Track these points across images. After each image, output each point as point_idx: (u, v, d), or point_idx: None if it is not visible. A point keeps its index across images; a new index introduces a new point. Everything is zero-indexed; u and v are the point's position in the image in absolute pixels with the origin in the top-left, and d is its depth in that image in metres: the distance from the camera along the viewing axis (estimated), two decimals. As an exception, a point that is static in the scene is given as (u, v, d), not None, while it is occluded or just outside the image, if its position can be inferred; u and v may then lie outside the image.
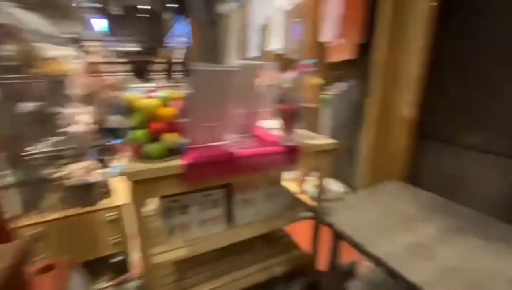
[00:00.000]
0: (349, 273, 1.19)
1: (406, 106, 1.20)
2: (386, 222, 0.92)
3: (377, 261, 0.75)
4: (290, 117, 0.93)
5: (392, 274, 0.70)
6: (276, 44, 1.88)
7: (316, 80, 1.02)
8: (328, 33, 1.42)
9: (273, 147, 0.95)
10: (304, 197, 1.24)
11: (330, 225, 0.94)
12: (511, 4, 0.95)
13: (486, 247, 0.78)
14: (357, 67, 1.43)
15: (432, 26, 1.12)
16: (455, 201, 1.14)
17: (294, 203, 1.24)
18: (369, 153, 1.29)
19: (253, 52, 2.25)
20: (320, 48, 1.60)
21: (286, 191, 1.28)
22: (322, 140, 1.05)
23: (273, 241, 1.38)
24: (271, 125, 1.13)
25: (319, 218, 1.00)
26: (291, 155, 0.96)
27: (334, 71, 1.60)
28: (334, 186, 1.70)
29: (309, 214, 1.09)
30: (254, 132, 1.11)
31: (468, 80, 1.09)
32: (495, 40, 1.00)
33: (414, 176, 1.28)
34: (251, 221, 1.11)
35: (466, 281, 0.66)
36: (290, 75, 0.91)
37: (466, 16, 1.07)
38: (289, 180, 1.94)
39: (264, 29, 2.07)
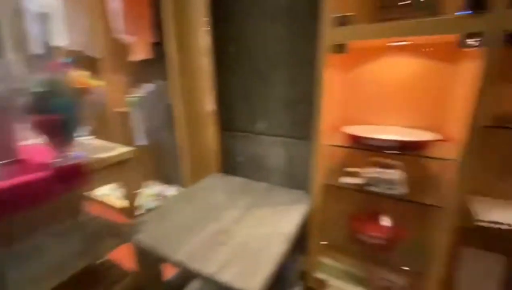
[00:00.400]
0: (185, 278, 1.16)
1: (207, 102, 1.28)
2: (197, 218, 0.93)
3: (181, 266, 0.73)
4: (54, 131, 0.73)
5: (194, 273, 0.71)
6: (60, 38, 1.51)
7: (95, 82, 0.86)
8: (117, 28, 1.28)
9: (38, 173, 0.72)
10: (136, 213, 1.08)
11: (137, 245, 0.84)
12: (268, 10, 1.18)
13: (272, 214, 0.95)
14: (160, 66, 1.39)
15: (211, 25, 1.23)
16: (257, 179, 1.36)
17: (107, 229, 1.05)
18: (185, 151, 1.31)
19: (36, 47, 1.73)
20: (121, 45, 1.43)
21: (95, 216, 1.06)
22: (118, 150, 0.92)
23: (98, 277, 1.13)
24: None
25: (127, 238, 0.87)
26: (69, 177, 0.77)
27: (141, 70, 1.50)
28: (168, 191, 1.64)
29: (121, 238, 0.95)
30: (19, 156, 0.82)
31: (248, 77, 1.30)
32: (260, 42, 1.23)
33: (228, 165, 1.42)
34: (39, 275, 0.83)
35: (251, 251, 0.76)
36: (40, 76, 0.70)
37: (235, 17, 1.25)
38: (117, 197, 1.68)
39: (45, 18, 1.62)
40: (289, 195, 1.10)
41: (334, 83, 1.01)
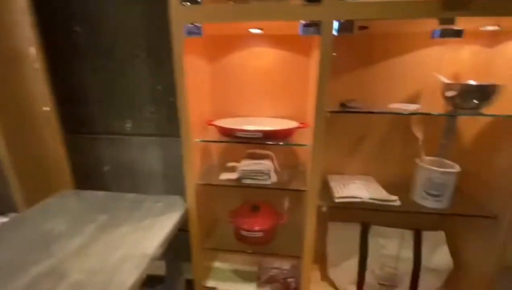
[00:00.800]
0: None
1: (43, 101, 0.97)
2: (15, 259, 0.65)
3: None
4: None
5: None
6: None
7: None
8: None
9: None
10: None
11: None
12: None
13: (132, 232, 0.77)
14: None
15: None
16: (128, 190, 1.14)
17: None
18: (13, 166, 0.95)
19: None
20: None
21: None
22: None
23: None
24: None
25: None
26: None
27: None
28: None
29: None
30: None
31: (104, 67, 1.05)
32: (114, 23, 1.01)
33: (87, 178, 1.15)
34: None
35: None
36: None
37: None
38: None
39: None
40: (162, 203, 0.94)
41: (200, 73, 0.91)
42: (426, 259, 0.95)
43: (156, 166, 1.13)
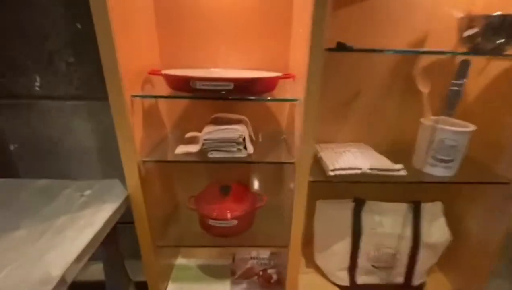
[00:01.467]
0: None
1: None
2: None
3: None
4: None
5: None
6: None
7: None
8: None
9: None
10: None
11: None
12: None
13: (38, 238, 0.50)
14: None
15: None
16: (48, 175, 0.84)
17: None
18: None
19: None
20: None
21: None
22: None
23: None
24: None
25: None
26: None
27: None
28: None
29: None
30: None
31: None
32: None
33: None
34: None
35: None
36: None
37: None
38: None
39: None
40: (92, 189, 0.66)
41: (137, 10, 0.61)
42: (425, 234, 0.83)
43: (87, 141, 0.83)
